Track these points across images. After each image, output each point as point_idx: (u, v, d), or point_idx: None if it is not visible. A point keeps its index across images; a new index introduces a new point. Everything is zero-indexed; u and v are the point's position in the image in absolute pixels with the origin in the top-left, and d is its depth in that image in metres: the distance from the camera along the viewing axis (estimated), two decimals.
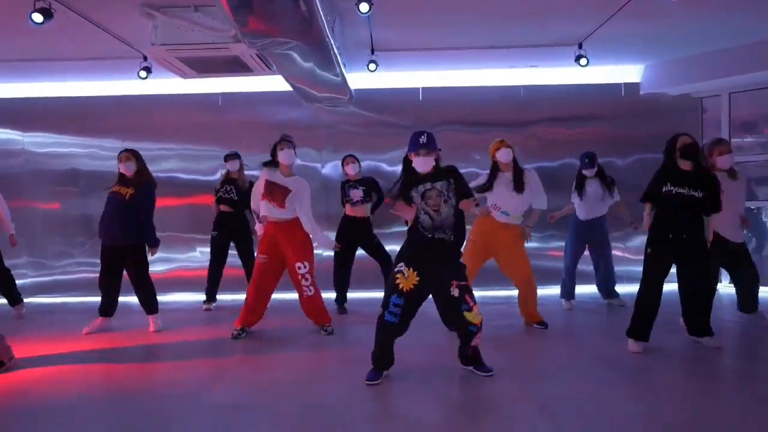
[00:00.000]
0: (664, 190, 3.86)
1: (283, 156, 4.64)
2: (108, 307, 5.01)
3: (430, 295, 3.47)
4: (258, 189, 4.74)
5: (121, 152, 4.98)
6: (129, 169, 4.88)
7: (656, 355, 3.90)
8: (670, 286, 3.98)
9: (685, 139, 3.88)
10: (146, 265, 4.96)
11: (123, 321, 5.22)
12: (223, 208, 5.89)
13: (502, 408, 3.05)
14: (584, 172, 5.55)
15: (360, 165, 5.78)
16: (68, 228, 6.94)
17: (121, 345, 4.56)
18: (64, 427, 2.92)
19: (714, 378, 3.53)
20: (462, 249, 3.56)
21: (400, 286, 3.33)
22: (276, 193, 4.60)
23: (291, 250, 4.64)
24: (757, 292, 4.61)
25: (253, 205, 4.94)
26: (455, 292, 3.35)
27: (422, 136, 3.36)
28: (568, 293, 5.76)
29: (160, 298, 5.10)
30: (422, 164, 3.38)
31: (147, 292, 4.98)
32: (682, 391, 3.26)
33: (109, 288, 4.96)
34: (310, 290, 4.66)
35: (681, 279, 3.99)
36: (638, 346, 3.96)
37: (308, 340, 4.60)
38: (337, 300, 5.78)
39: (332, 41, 4.54)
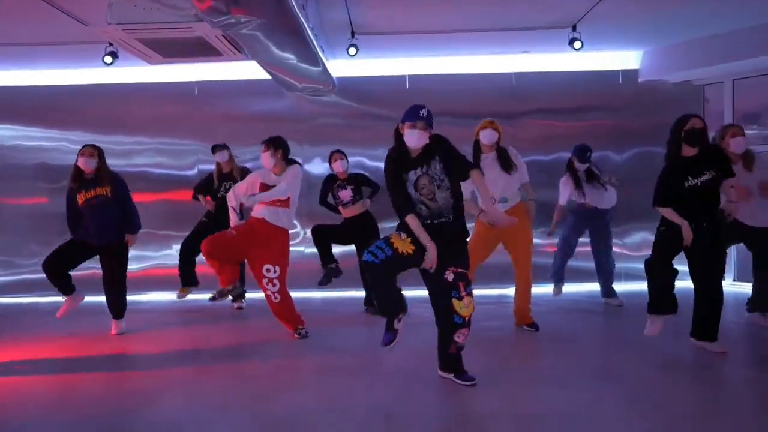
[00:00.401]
0: (687, 185, 3.52)
1: (262, 161, 4.43)
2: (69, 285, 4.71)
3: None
4: (247, 187, 4.48)
5: (84, 146, 4.69)
6: (89, 165, 4.59)
7: (658, 364, 3.57)
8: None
9: (695, 122, 3.54)
10: (125, 265, 4.76)
11: (88, 322, 4.92)
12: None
13: (482, 423, 2.73)
14: (578, 164, 5.22)
15: (348, 161, 5.39)
16: (38, 225, 6.59)
17: (83, 352, 4.23)
18: None
19: (719, 391, 3.21)
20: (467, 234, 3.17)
21: (394, 243, 3.06)
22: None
23: (266, 251, 4.36)
24: None
25: (233, 201, 4.57)
26: (449, 277, 3.06)
27: (423, 110, 3.14)
28: (556, 273, 5.48)
29: (134, 297, 4.79)
30: (416, 139, 3.10)
31: (120, 293, 4.74)
32: (686, 408, 2.93)
33: (66, 271, 4.66)
34: (276, 297, 4.35)
35: (693, 278, 3.68)
36: (658, 325, 3.72)
37: (279, 347, 4.29)
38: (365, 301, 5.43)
39: (304, 21, 4.21)
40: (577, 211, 5.36)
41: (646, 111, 6.36)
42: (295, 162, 4.59)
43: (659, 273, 3.66)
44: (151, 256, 6.63)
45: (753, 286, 4.43)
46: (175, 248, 6.49)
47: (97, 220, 4.56)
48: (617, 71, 6.45)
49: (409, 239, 3.07)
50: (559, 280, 5.52)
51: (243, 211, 4.69)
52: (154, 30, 4.12)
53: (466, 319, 3.07)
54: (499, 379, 3.32)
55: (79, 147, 6.16)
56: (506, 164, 4.34)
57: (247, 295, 5.66)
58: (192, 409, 2.99)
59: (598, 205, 5.26)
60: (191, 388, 3.38)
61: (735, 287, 6.10)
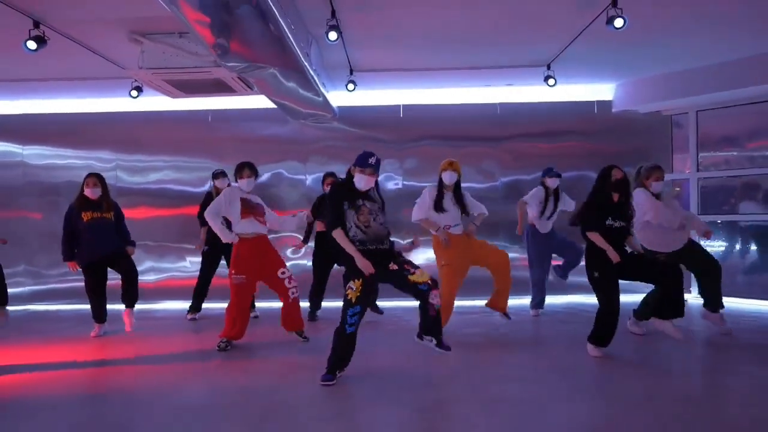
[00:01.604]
0: (607, 223, 4.19)
1: (248, 185, 4.79)
2: (104, 312, 5.40)
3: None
4: (228, 205, 4.66)
5: (88, 176, 5.26)
6: (95, 193, 5.20)
7: (614, 362, 4.15)
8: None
9: (617, 173, 4.23)
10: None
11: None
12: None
13: (455, 412, 3.30)
14: (549, 182, 5.80)
15: None
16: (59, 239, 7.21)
17: (102, 355, 4.83)
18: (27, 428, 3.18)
19: (658, 381, 3.77)
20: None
21: (352, 299, 3.61)
22: (257, 210, 4.77)
23: (269, 258, 4.78)
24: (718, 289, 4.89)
25: (213, 221, 4.66)
26: (393, 267, 3.67)
27: (372, 158, 3.67)
28: (538, 304, 6.04)
29: (150, 306, 5.30)
30: (365, 182, 3.69)
31: (136, 282, 5.32)
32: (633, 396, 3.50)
33: (101, 296, 5.36)
34: (295, 291, 4.77)
35: (649, 282, 4.32)
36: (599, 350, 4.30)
37: (283, 349, 4.85)
38: (310, 312, 5.98)
39: (308, 65, 4.84)
40: (538, 241, 5.86)
41: (621, 137, 7.00)
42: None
43: (608, 313, 4.20)
44: (167, 267, 7.24)
45: (701, 292, 4.98)
46: (189, 260, 7.18)
47: (98, 236, 5.19)
48: (593, 102, 7.09)
49: (359, 281, 3.60)
50: (540, 307, 6.06)
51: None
52: (179, 73, 4.79)
53: (429, 282, 3.63)
54: (471, 372, 3.89)
55: (105, 165, 6.91)
56: (462, 207, 4.93)
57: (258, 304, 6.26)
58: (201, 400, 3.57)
59: (543, 230, 5.83)
60: (208, 380, 3.96)
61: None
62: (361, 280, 3.61)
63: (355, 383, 3.74)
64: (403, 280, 3.67)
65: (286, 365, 4.27)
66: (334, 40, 4.34)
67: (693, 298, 6.60)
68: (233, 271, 4.64)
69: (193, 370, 4.18)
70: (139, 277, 5.33)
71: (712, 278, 4.84)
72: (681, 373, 4.01)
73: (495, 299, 5.14)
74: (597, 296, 4.25)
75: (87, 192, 5.20)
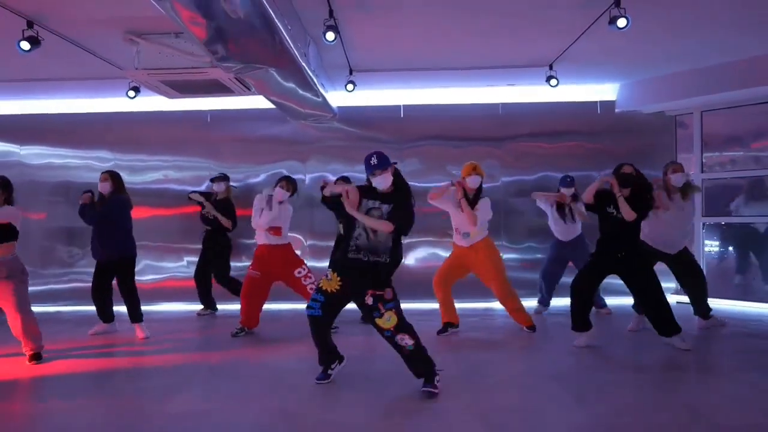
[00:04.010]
0: (607, 210, 4.37)
1: (281, 196, 5.22)
2: (108, 314, 5.40)
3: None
4: (254, 212, 5.27)
5: (102, 173, 5.31)
6: (104, 188, 5.21)
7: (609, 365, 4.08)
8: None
9: (626, 168, 4.39)
10: (133, 274, 5.33)
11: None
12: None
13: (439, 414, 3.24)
14: (564, 190, 5.76)
15: None
16: (62, 238, 7.19)
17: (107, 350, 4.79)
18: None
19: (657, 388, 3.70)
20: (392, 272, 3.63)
21: (323, 286, 3.59)
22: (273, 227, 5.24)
23: (288, 262, 5.30)
24: (704, 298, 5.07)
25: (252, 223, 5.31)
26: (369, 300, 3.52)
27: (373, 158, 3.52)
28: (544, 300, 6.17)
29: (149, 307, 5.31)
30: (382, 182, 3.54)
31: (132, 303, 5.28)
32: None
33: (99, 299, 5.35)
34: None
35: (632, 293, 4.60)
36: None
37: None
38: None
39: (306, 66, 4.77)
40: (557, 248, 6.02)
41: (624, 138, 6.90)
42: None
43: (582, 293, 4.50)
44: (167, 267, 7.19)
45: (690, 301, 5.18)
46: (187, 260, 7.12)
47: (101, 236, 5.17)
48: (596, 102, 6.99)
49: (335, 274, 3.56)
50: (543, 305, 6.23)
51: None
52: (174, 73, 4.73)
53: (392, 329, 3.48)
54: (469, 379, 3.83)
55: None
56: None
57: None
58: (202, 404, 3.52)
59: (561, 238, 5.85)
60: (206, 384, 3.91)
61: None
62: (341, 279, 3.56)
63: (351, 388, 3.68)
64: (371, 318, 3.57)
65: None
66: (332, 41, 4.27)
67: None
68: (251, 267, 5.26)
69: (191, 375, 4.13)
70: (140, 277, 5.36)
71: (698, 287, 5.02)
72: (682, 378, 3.94)
73: (514, 317, 5.31)
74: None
75: (100, 187, 5.22)
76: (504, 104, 7.04)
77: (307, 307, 3.61)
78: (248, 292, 5.21)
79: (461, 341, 5.04)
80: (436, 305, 5.32)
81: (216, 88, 5.21)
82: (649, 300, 4.40)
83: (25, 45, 4.32)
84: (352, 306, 3.79)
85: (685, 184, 4.90)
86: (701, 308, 5.10)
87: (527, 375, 4.02)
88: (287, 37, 4.09)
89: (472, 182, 4.93)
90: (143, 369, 4.29)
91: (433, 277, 5.26)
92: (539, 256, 6.89)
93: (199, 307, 6.52)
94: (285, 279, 5.32)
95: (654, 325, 4.45)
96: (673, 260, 4.98)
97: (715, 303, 5.50)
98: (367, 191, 3.60)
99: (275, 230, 5.19)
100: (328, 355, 3.76)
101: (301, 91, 5.38)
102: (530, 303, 6.11)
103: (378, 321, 3.51)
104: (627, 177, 4.34)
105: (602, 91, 6.94)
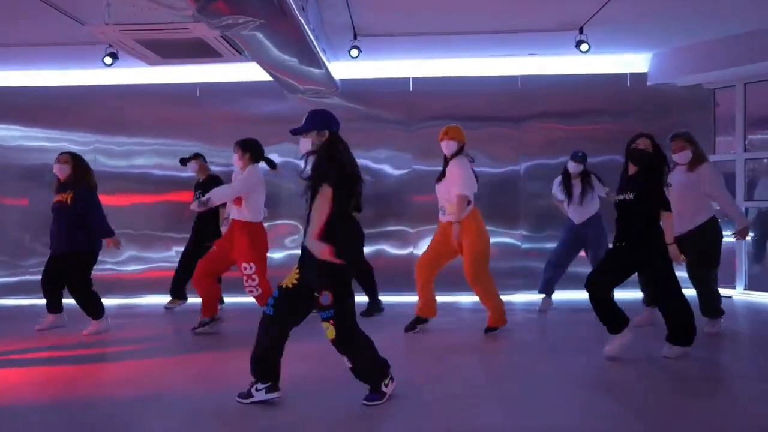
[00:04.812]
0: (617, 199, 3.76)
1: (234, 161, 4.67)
2: (57, 304, 4.79)
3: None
4: (260, 186, 4.60)
5: (60, 154, 4.75)
6: (63, 171, 4.63)
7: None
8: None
9: (640, 142, 3.71)
10: (83, 275, 4.65)
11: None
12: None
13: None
14: (570, 167, 5.21)
15: None
16: (39, 226, 6.53)
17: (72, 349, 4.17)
18: None
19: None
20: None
21: (282, 282, 2.95)
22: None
23: (236, 244, 4.54)
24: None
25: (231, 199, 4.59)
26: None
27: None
28: (545, 287, 5.44)
29: (133, 300, 4.87)
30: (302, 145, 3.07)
31: (82, 300, 4.67)
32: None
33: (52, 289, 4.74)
34: (257, 290, 4.49)
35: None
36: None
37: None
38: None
39: (303, 22, 4.13)
40: (570, 230, 5.33)
41: (656, 115, 6.21)
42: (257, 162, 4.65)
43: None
44: (151, 257, 6.56)
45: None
46: (175, 250, 6.47)
47: (53, 226, 4.61)
48: (625, 74, 6.32)
49: (296, 269, 2.91)
50: (547, 294, 5.46)
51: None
52: (151, 30, 4.06)
53: (332, 342, 2.86)
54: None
55: (82, 148, 6.18)
56: (441, 174, 4.39)
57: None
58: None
59: (574, 220, 5.20)
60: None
61: (746, 296, 5.98)
62: (299, 275, 2.89)
63: (351, 389, 3.06)
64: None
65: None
66: None
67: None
68: (258, 260, 4.50)
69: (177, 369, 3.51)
70: (122, 268, 4.70)
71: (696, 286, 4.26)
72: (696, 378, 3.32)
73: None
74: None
75: (55, 169, 4.64)
76: (524, 77, 6.37)
77: (268, 305, 2.92)
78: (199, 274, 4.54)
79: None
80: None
81: (202, 52, 4.53)
82: (663, 301, 3.71)
83: None
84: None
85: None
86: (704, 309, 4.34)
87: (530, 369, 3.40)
88: None
89: (446, 148, 4.33)
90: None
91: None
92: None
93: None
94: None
95: (667, 329, 3.72)
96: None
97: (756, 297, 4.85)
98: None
99: (237, 200, 4.53)
100: (268, 368, 2.93)
101: (298, 60, 4.74)
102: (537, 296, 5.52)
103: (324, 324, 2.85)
104: (640, 154, 3.66)
105: (633, 62, 6.28)
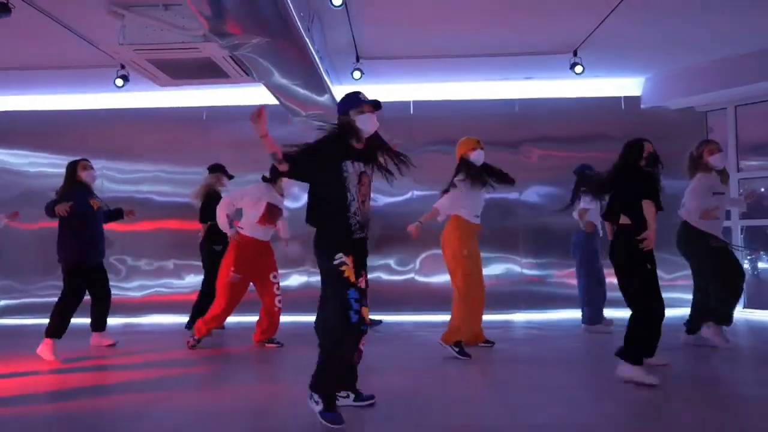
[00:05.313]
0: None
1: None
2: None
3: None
4: (252, 203, 4.56)
5: (87, 160, 4.76)
6: (94, 178, 4.80)
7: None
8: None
9: (650, 146, 3.56)
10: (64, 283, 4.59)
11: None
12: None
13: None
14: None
15: None
16: (47, 250, 6.60)
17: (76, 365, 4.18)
18: None
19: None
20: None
21: (349, 277, 2.65)
22: (275, 215, 4.68)
23: (268, 262, 4.73)
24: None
25: (224, 216, 4.57)
26: (362, 284, 2.79)
27: (361, 94, 2.90)
28: (591, 320, 5.15)
29: (136, 320, 4.99)
30: (372, 123, 2.85)
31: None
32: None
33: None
34: (280, 300, 4.72)
35: None
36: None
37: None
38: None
39: (309, 42, 4.31)
40: (589, 242, 5.15)
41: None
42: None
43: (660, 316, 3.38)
44: (150, 285, 6.63)
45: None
46: (187, 278, 6.54)
47: (88, 235, 4.63)
48: (619, 98, 6.52)
49: (348, 256, 2.69)
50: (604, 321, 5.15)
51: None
52: (163, 50, 4.25)
53: (368, 322, 2.80)
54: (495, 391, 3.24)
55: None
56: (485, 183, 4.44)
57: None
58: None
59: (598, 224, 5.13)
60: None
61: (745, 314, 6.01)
62: (351, 256, 2.70)
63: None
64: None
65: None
66: (339, 6, 3.81)
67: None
68: (233, 269, 4.51)
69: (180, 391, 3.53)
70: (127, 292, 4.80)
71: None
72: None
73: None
74: (638, 299, 3.36)
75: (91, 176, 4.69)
76: (521, 100, 6.56)
77: (354, 312, 2.61)
78: (230, 300, 4.61)
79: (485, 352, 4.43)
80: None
81: (211, 72, 4.71)
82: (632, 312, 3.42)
83: None
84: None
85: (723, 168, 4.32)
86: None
87: (556, 386, 3.42)
88: (290, 3, 3.63)
89: (478, 157, 4.41)
90: None
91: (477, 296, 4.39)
92: (562, 271, 6.36)
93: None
94: (259, 280, 4.73)
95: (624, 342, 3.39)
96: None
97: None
98: (348, 149, 2.78)
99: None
100: (350, 375, 2.91)
101: (303, 80, 4.91)
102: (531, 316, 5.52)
103: (365, 310, 2.73)
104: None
105: (627, 85, 6.49)
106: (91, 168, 4.73)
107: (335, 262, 2.65)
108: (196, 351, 4.59)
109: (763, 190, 6.06)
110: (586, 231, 5.09)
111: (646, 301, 3.35)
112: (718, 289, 4.19)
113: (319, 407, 2.62)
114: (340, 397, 2.86)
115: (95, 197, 4.75)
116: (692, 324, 4.39)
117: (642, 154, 3.50)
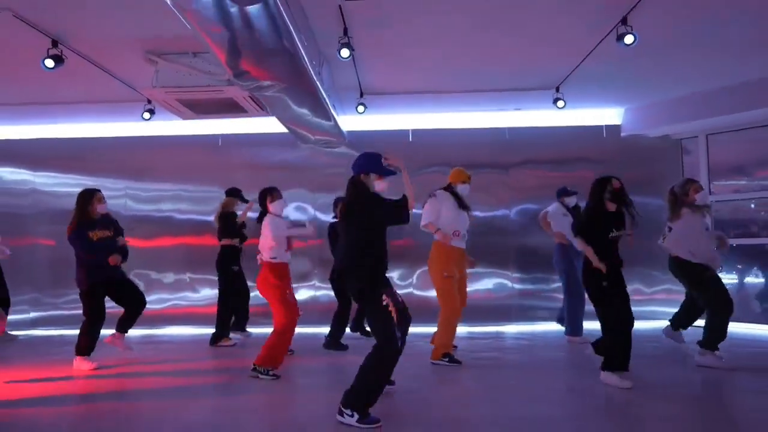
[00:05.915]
0: (611, 235, 3.94)
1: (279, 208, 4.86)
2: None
3: None
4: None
5: (100, 192, 5.02)
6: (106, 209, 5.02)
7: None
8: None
9: (616, 182, 4.00)
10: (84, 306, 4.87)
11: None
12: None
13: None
14: (568, 201, 5.88)
15: None
16: (71, 265, 7.15)
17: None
18: None
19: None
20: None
21: (392, 311, 3.18)
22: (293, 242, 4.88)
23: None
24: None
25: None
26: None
27: (383, 158, 3.53)
28: (574, 330, 5.66)
29: (153, 331, 5.20)
30: (384, 188, 3.52)
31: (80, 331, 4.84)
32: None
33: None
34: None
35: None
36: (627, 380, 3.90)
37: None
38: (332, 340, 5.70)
39: (319, 84, 4.87)
40: (564, 253, 5.70)
41: (630, 163, 6.92)
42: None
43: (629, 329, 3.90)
44: (168, 298, 7.17)
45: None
46: (203, 291, 7.09)
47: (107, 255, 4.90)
48: (601, 126, 7.09)
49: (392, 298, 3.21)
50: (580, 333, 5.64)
51: None
52: (192, 92, 4.83)
53: None
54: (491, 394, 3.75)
55: (114, 193, 6.89)
56: (464, 205, 4.95)
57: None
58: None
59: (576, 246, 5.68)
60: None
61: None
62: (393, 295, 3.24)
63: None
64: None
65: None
66: (347, 58, 4.37)
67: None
68: (288, 291, 4.55)
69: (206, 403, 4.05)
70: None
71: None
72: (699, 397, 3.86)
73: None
74: (604, 312, 3.93)
75: (104, 207, 4.95)
76: (511, 129, 7.15)
77: (400, 341, 3.16)
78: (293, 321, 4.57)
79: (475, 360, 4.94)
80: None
81: (231, 108, 5.30)
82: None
83: (50, 63, 4.43)
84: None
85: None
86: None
87: (542, 390, 3.93)
88: (303, 53, 4.19)
89: (465, 190, 4.93)
90: None
91: (451, 317, 4.76)
92: (550, 286, 6.89)
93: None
94: None
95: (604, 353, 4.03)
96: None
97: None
98: None
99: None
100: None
101: (313, 113, 5.46)
102: (521, 328, 6.01)
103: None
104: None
105: (608, 115, 7.06)
106: (105, 201, 4.97)
107: (383, 302, 3.16)
108: (218, 360, 5.10)
109: (753, 206, 6.50)
110: (559, 243, 5.68)
111: (608, 312, 3.93)
112: (707, 316, 4.58)
113: (354, 418, 3.05)
114: (345, 414, 3.11)
115: (113, 226, 4.99)
116: (677, 319, 5.03)
117: (606, 189, 3.98)
